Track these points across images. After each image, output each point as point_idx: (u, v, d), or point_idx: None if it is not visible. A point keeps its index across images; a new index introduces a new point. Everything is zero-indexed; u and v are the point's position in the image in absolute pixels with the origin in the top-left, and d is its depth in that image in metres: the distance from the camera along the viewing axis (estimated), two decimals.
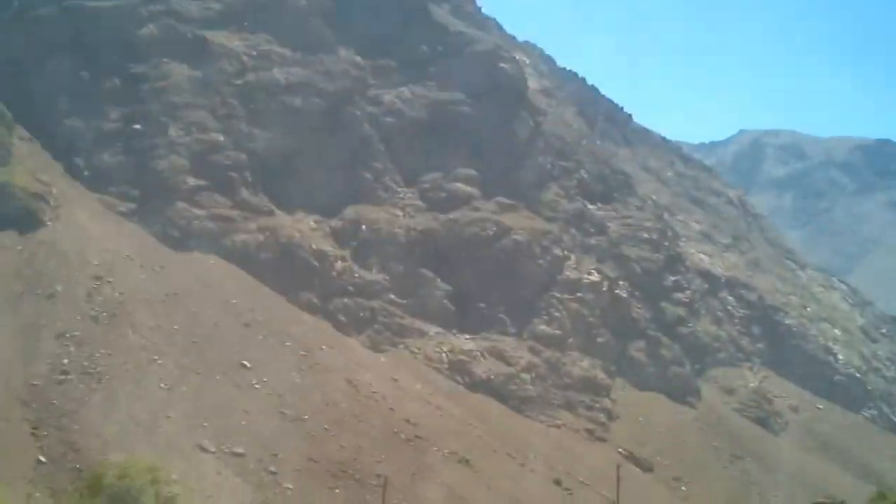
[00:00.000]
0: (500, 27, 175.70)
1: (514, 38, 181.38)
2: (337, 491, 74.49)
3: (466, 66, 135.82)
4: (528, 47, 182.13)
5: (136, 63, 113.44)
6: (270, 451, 74.84)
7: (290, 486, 72.16)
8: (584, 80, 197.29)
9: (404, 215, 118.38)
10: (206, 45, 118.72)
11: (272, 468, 73.24)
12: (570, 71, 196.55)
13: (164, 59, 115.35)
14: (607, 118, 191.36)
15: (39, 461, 65.21)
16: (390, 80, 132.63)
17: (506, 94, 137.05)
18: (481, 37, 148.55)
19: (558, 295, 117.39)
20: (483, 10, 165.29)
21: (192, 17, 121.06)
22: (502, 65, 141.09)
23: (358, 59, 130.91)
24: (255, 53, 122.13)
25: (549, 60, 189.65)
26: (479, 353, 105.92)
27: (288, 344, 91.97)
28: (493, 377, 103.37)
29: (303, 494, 71.91)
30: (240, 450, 73.47)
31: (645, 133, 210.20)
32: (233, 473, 71.02)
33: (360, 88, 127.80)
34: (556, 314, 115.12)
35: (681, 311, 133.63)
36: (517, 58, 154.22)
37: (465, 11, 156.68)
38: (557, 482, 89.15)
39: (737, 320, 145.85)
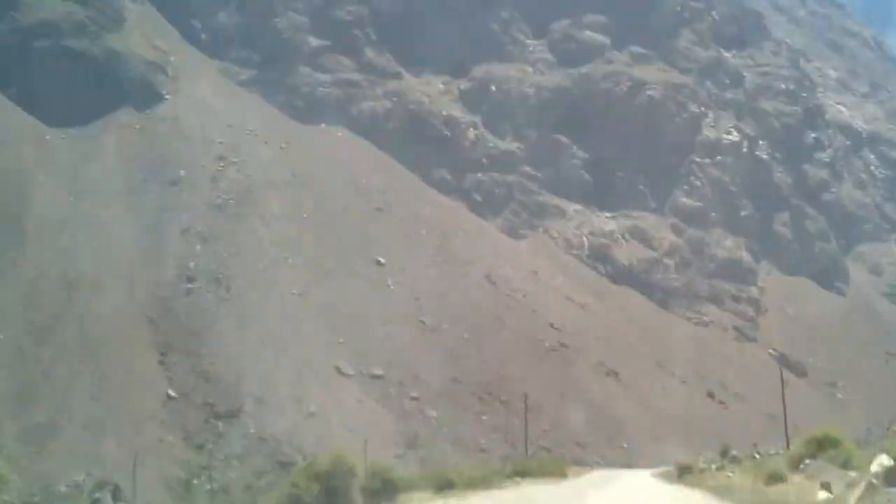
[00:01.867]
0: None
1: None
2: (484, 417, 68.24)
3: None
4: None
5: None
6: (411, 372, 68.55)
7: (434, 413, 66.17)
8: None
9: (535, 71, 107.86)
10: None
11: (414, 393, 67.02)
12: None
13: None
14: None
15: (169, 396, 59.37)
16: None
17: None
18: None
19: (698, 160, 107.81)
20: None
21: None
22: None
23: None
24: None
25: None
26: (619, 236, 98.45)
27: (423, 232, 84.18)
28: (635, 264, 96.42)
29: (449, 423, 65.39)
30: (379, 371, 67.22)
31: None
32: (373, 400, 65.09)
33: None
34: (697, 182, 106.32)
35: (823, 174, 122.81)
36: None
37: None
38: (710, 395, 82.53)
39: (880, 183, 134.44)
